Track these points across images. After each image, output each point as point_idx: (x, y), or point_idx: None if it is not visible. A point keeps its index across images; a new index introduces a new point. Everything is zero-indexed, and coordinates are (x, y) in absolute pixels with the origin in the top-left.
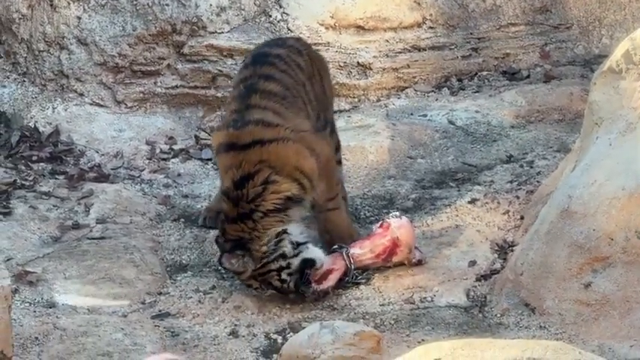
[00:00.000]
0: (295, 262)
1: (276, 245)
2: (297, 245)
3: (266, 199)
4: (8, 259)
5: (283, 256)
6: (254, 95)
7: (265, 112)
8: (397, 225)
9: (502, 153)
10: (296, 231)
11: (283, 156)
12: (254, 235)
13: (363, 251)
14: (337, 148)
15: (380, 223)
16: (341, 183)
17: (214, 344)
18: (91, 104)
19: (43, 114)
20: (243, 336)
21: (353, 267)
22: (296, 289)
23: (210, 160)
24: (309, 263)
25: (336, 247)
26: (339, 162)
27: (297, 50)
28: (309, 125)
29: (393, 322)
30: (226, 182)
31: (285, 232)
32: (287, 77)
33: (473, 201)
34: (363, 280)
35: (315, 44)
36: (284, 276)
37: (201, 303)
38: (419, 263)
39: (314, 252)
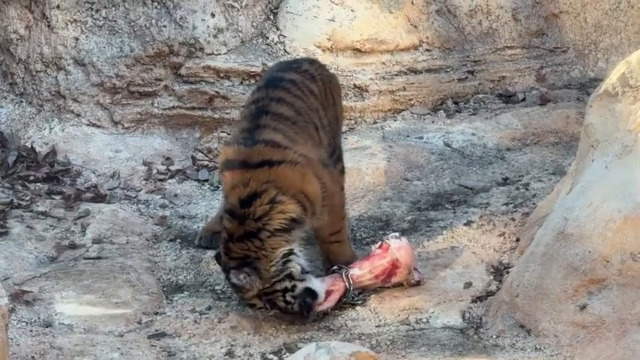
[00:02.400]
0: (300, 287)
1: (284, 265)
2: (303, 270)
3: (273, 218)
4: (5, 279)
5: (290, 276)
6: (265, 116)
7: (276, 133)
8: (397, 246)
9: (498, 175)
10: (301, 254)
11: (290, 178)
12: (261, 254)
13: (362, 272)
14: (342, 173)
15: (379, 243)
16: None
17: None
18: (87, 125)
19: (40, 134)
20: (239, 356)
21: (352, 288)
22: (300, 311)
23: (206, 181)
24: (311, 294)
25: (335, 267)
26: (342, 188)
27: (311, 76)
28: (317, 154)
29: (389, 343)
30: (232, 199)
31: (292, 252)
32: (300, 102)
33: (469, 223)
34: (360, 301)
35: None
36: (288, 298)
37: (198, 323)
38: (417, 284)
39: (316, 284)
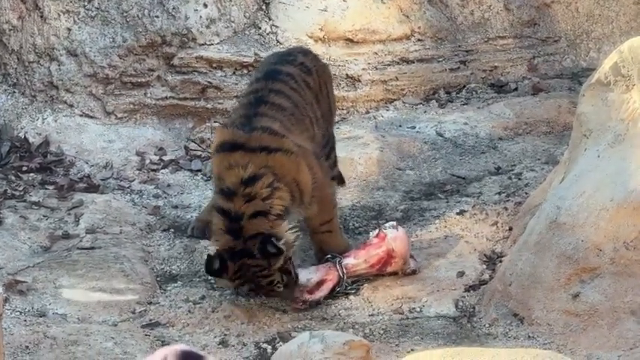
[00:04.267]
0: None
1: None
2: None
3: (274, 203)
4: None
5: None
6: (263, 105)
7: (273, 121)
8: (393, 236)
9: (490, 165)
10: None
11: (286, 167)
12: (273, 232)
13: (357, 261)
14: (335, 164)
15: (376, 232)
16: (335, 201)
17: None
18: (80, 115)
19: (33, 125)
20: (233, 345)
21: (345, 277)
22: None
23: (199, 171)
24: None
25: (329, 256)
26: (338, 177)
27: (307, 69)
28: (310, 146)
29: (382, 332)
30: (231, 179)
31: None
32: (297, 96)
33: (461, 212)
34: (353, 291)
35: None
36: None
37: (191, 312)
38: (413, 273)
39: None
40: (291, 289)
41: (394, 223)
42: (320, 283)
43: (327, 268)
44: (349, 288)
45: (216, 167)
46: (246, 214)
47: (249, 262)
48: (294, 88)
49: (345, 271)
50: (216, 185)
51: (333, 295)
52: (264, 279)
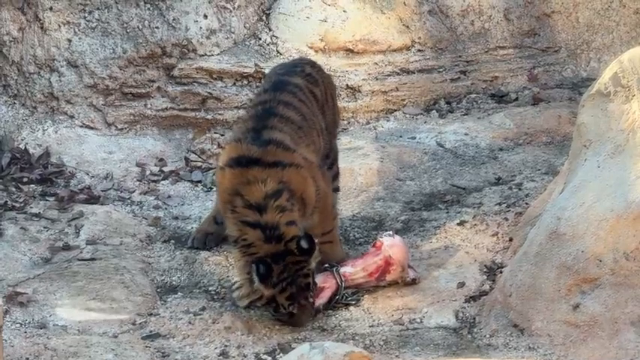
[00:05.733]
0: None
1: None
2: None
3: (294, 215)
4: None
5: None
6: (272, 118)
7: (283, 135)
8: (389, 244)
9: (491, 175)
10: None
11: (296, 181)
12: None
13: (355, 270)
14: (337, 175)
15: (373, 242)
16: (335, 212)
17: None
18: (81, 126)
19: (34, 136)
20: (234, 357)
21: (343, 284)
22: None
23: (199, 182)
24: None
25: (327, 265)
26: (337, 189)
27: (314, 79)
28: (315, 159)
29: (382, 343)
30: (254, 194)
31: None
32: (305, 108)
33: (462, 223)
34: (353, 302)
35: None
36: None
37: (192, 324)
38: (413, 282)
39: None
40: (310, 312)
41: (391, 232)
42: (318, 291)
43: (325, 276)
44: (349, 299)
45: (230, 182)
46: (282, 223)
47: (291, 259)
48: (302, 99)
49: (343, 279)
50: (232, 199)
51: (332, 305)
52: (304, 279)
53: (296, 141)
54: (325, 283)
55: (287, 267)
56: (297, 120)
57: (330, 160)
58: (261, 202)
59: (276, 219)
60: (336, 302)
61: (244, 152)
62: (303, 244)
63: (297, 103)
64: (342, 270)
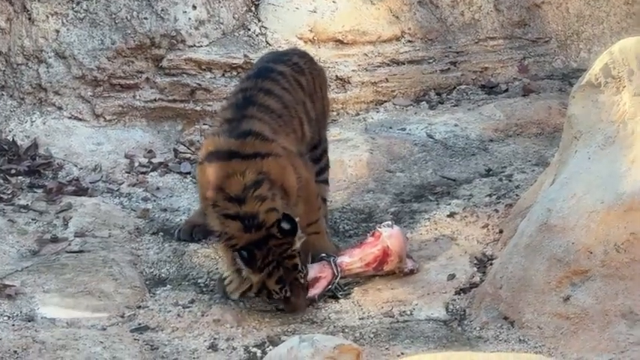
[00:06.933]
0: None
1: None
2: None
3: (277, 204)
4: None
5: None
6: (251, 107)
7: (262, 125)
8: (387, 234)
9: (481, 167)
10: None
11: (276, 171)
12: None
13: (352, 260)
14: (326, 167)
15: (372, 232)
16: (323, 204)
17: (193, 358)
18: (69, 118)
19: (22, 127)
20: (223, 349)
21: (339, 275)
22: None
23: (188, 173)
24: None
25: (323, 255)
26: (326, 182)
27: (300, 69)
28: (295, 148)
29: (372, 335)
30: (234, 186)
31: None
32: (287, 95)
33: (452, 214)
34: (342, 294)
35: None
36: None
37: (181, 316)
38: (411, 273)
39: None
40: (305, 293)
41: (390, 222)
42: (314, 281)
43: (322, 266)
44: (340, 293)
45: (209, 176)
46: (262, 211)
47: (274, 243)
48: (285, 87)
49: (339, 269)
50: (213, 194)
51: (324, 293)
52: (290, 261)
53: (275, 130)
54: (321, 273)
55: (271, 250)
56: (277, 108)
57: (318, 151)
58: (240, 194)
59: (256, 208)
60: (327, 291)
61: (222, 146)
62: (285, 225)
63: (279, 91)
64: (339, 260)
